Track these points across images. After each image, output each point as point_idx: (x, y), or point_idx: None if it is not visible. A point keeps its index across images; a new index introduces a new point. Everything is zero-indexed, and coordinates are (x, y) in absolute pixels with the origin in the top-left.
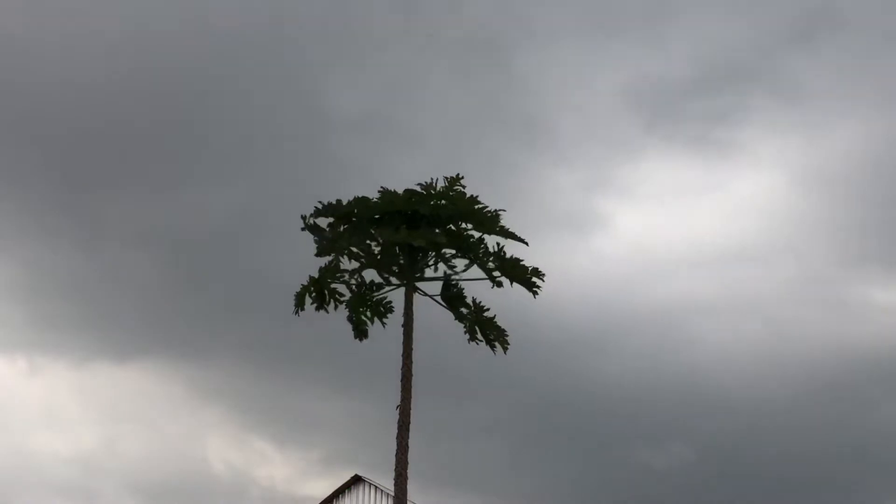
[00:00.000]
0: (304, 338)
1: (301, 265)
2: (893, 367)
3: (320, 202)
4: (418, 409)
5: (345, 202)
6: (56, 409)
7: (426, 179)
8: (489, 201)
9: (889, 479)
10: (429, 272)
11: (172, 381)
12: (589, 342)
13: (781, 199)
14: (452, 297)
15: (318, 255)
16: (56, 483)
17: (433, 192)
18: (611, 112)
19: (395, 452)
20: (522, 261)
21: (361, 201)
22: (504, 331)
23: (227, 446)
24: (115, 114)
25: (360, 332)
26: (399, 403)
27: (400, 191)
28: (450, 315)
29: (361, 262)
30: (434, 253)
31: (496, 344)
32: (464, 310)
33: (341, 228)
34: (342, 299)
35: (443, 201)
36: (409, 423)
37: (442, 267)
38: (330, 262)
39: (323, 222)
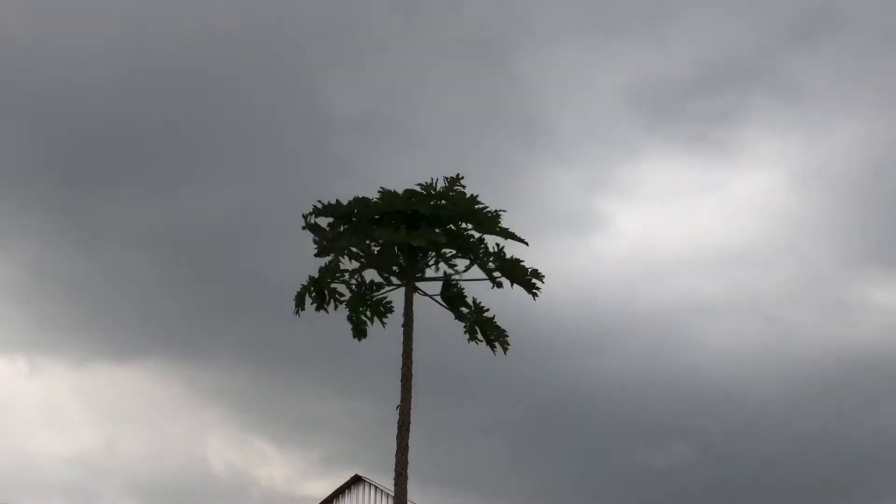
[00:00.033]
0: (304, 338)
1: (301, 265)
2: (893, 367)
3: (319, 201)
4: (418, 409)
5: (345, 202)
6: (56, 409)
7: (426, 180)
8: (489, 201)
9: (889, 479)
10: (429, 272)
11: (172, 381)
12: (589, 342)
13: (781, 200)
14: (452, 296)
15: (317, 255)
16: (56, 483)
17: (433, 192)
18: (611, 112)
19: (395, 452)
20: (522, 261)
21: (361, 201)
22: (504, 331)
23: (227, 446)
24: (115, 114)
25: (360, 332)
26: (399, 403)
27: (400, 191)
28: (450, 315)
29: (361, 262)
30: (434, 253)
31: (496, 344)
32: (464, 309)
33: (341, 228)
34: (342, 299)
35: (443, 201)
36: (409, 423)
37: (442, 267)
38: (330, 262)
39: (323, 222)
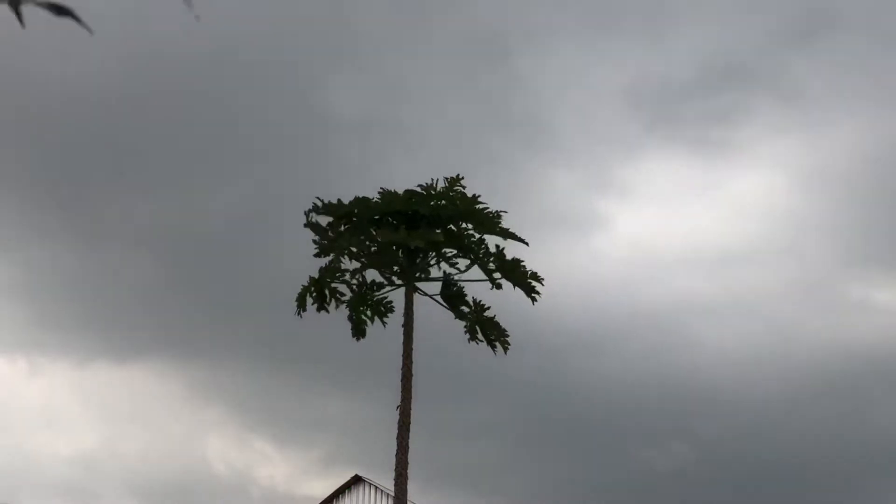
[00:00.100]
0: (304, 338)
1: (301, 265)
2: (893, 367)
3: (319, 199)
4: (418, 409)
5: (345, 202)
6: (56, 409)
7: (426, 180)
8: (489, 201)
9: (889, 479)
10: (430, 272)
11: (172, 381)
12: (589, 342)
13: (781, 200)
14: (452, 295)
15: (317, 255)
16: (56, 483)
17: (433, 192)
18: (611, 112)
19: (395, 452)
20: (523, 262)
21: (362, 201)
22: (505, 330)
23: (227, 446)
24: (115, 113)
25: (359, 332)
26: (399, 403)
27: (400, 191)
28: (450, 315)
29: (362, 262)
30: (434, 253)
31: (497, 344)
32: (464, 309)
33: (341, 228)
34: (343, 299)
35: (443, 202)
36: (409, 423)
37: (443, 267)
38: (330, 262)
39: (323, 221)
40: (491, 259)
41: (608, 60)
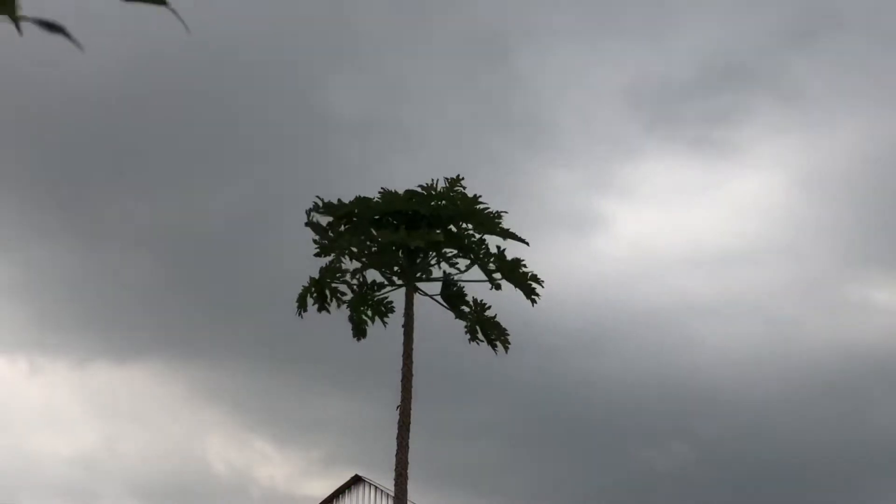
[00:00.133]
0: (304, 338)
1: (302, 265)
2: (893, 367)
3: (319, 197)
4: (418, 409)
5: (345, 202)
6: (56, 409)
7: (426, 180)
8: (489, 201)
9: (889, 479)
10: (431, 272)
11: (172, 381)
12: (588, 342)
13: (781, 200)
14: (452, 296)
15: (317, 255)
16: (56, 483)
17: (434, 192)
18: (611, 112)
19: (395, 452)
20: (523, 261)
21: (362, 201)
22: (505, 329)
23: (227, 446)
24: (115, 113)
25: (360, 332)
26: (399, 403)
27: (401, 191)
28: (450, 315)
29: (362, 262)
30: (435, 253)
31: (497, 343)
32: (465, 308)
33: (342, 228)
34: (344, 299)
35: (443, 202)
36: (409, 423)
37: (443, 267)
38: (331, 262)
39: (324, 220)
40: (491, 259)
41: (608, 60)
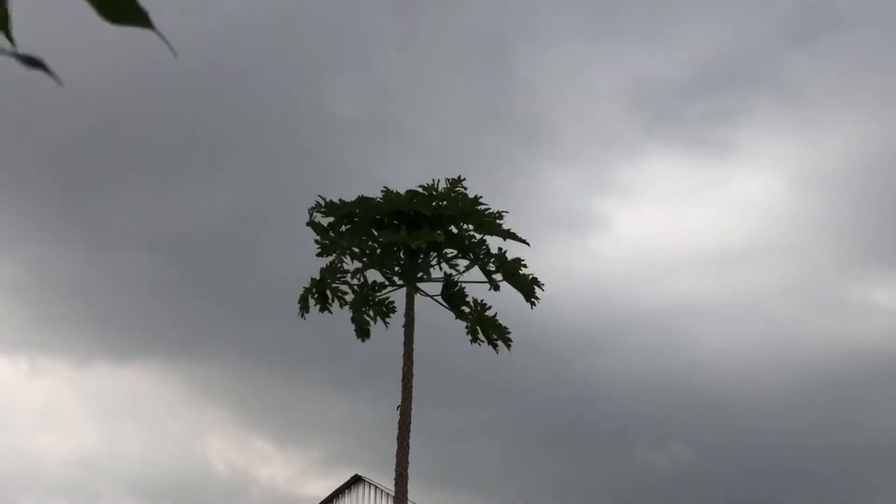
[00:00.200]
0: (304, 338)
1: (302, 265)
2: (893, 367)
3: (321, 197)
4: (418, 409)
5: (346, 202)
6: (56, 409)
7: (426, 181)
8: (489, 201)
9: (889, 479)
10: (430, 273)
11: (172, 381)
12: (589, 342)
13: (781, 200)
14: (453, 295)
15: (319, 254)
16: (56, 483)
17: (435, 193)
18: (611, 112)
19: (395, 452)
20: (524, 261)
21: (364, 201)
22: (506, 329)
23: (227, 446)
24: (115, 113)
25: (363, 332)
26: (399, 403)
27: (402, 192)
28: (450, 315)
29: (363, 262)
30: (435, 253)
31: (498, 343)
32: (465, 309)
33: (343, 228)
34: (345, 298)
35: (444, 202)
36: (409, 423)
37: (444, 267)
38: (332, 263)
39: (325, 220)
40: (491, 260)
41: (608, 60)
